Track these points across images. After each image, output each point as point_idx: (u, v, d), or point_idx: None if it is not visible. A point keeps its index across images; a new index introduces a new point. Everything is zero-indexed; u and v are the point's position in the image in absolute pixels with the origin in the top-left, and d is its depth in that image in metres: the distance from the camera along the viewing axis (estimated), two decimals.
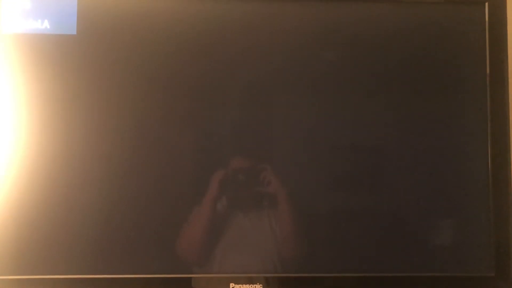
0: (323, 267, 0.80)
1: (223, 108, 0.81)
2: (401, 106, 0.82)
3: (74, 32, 0.80)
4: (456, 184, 0.81)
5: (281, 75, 0.82)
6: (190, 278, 0.78)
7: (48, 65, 0.79)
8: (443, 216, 0.81)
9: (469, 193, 0.81)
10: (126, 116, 0.80)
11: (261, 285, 0.78)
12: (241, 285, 0.78)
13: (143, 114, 0.80)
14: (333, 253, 0.80)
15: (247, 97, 0.82)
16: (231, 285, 0.77)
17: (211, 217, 0.79)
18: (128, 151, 0.79)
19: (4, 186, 0.77)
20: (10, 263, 0.76)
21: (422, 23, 0.83)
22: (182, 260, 0.79)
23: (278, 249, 0.79)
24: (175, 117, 0.81)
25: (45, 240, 0.77)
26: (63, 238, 0.77)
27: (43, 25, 0.80)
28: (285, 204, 0.79)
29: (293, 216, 0.80)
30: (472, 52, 0.82)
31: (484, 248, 0.80)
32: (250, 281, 0.78)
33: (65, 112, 0.79)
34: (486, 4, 0.82)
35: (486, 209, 0.80)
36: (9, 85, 0.79)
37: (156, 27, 0.81)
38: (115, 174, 0.79)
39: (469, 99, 0.82)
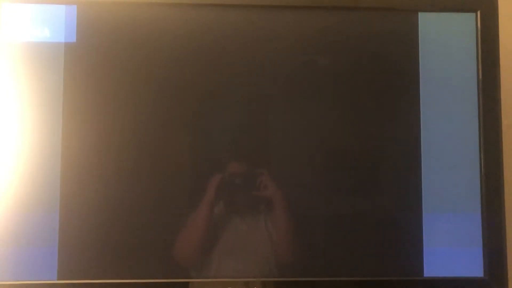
0: (319, 271, 0.80)
1: (220, 113, 0.82)
2: (394, 112, 0.83)
3: (74, 39, 0.81)
4: (450, 187, 0.82)
5: (277, 81, 0.83)
6: (187, 282, 0.78)
7: (48, 73, 0.80)
8: (436, 220, 0.81)
9: (461, 196, 0.82)
10: (125, 122, 0.80)
11: None
12: None
13: (142, 120, 0.81)
14: (329, 257, 0.80)
15: (244, 102, 0.83)
16: None
17: (208, 221, 0.79)
18: (126, 156, 0.80)
19: (4, 190, 0.77)
20: (9, 268, 0.76)
21: (415, 31, 0.84)
22: (179, 264, 0.79)
23: (274, 254, 0.80)
24: (173, 123, 0.82)
25: (41, 245, 0.77)
26: (59, 243, 0.77)
27: (43, 33, 0.81)
28: (281, 209, 0.80)
29: (290, 220, 0.80)
30: (464, 60, 0.83)
31: (476, 250, 0.80)
32: (247, 285, 0.78)
33: (65, 119, 0.79)
34: (478, 12, 0.84)
35: (479, 212, 0.81)
36: (10, 93, 0.79)
37: (155, 34, 0.82)
38: (112, 179, 0.79)
39: (461, 105, 0.83)
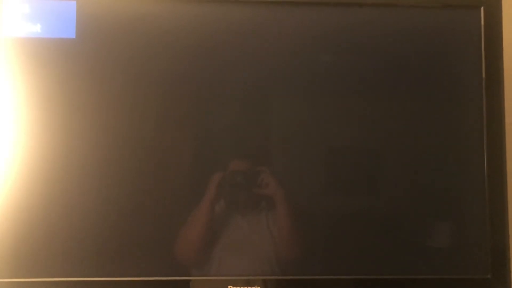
0: (320, 269, 0.80)
1: (221, 110, 0.82)
2: (397, 110, 0.83)
3: (73, 35, 0.80)
4: (453, 186, 0.82)
5: (279, 78, 0.83)
6: (189, 280, 0.78)
7: (47, 69, 0.79)
8: (439, 219, 0.82)
9: (465, 196, 0.82)
10: (125, 119, 0.80)
11: (259, 287, 0.78)
12: None
13: (142, 117, 0.80)
14: (330, 255, 0.80)
15: (245, 99, 0.82)
16: (229, 287, 0.78)
17: (209, 219, 0.79)
18: (127, 154, 0.80)
19: (4, 189, 0.77)
20: (9, 266, 0.76)
21: (418, 27, 0.83)
22: (181, 262, 0.79)
23: (276, 252, 0.80)
24: (174, 120, 0.81)
25: (43, 243, 0.77)
26: (61, 241, 0.77)
27: (43, 29, 0.80)
28: (283, 206, 0.80)
29: (291, 218, 0.80)
30: (467, 56, 0.83)
31: (480, 250, 0.80)
32: (248, 283, 0.78)
33: (65, 115, 0.79)
34: (482, 8, 0.83)
35: (482, 212, 0.80)
36: (10, 88, 0.79)
37: (155, 31, 0.81)
38: (113, 177, 0.79)
39: (465, 102, 0.83)
